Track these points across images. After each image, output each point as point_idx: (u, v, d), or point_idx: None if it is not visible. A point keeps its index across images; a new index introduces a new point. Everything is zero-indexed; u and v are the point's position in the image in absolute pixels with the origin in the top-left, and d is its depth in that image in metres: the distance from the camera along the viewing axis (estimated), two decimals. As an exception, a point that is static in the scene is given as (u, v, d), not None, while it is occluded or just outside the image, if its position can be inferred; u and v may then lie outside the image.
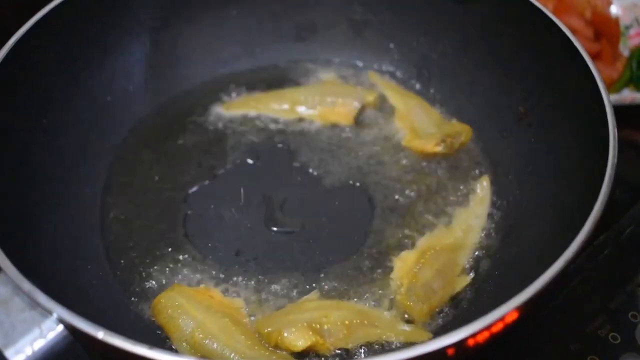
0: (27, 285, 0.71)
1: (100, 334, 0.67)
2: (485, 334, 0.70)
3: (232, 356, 0.85)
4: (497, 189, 1.06)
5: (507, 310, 0.70)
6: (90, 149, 1.09)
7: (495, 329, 0.71)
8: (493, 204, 1.05)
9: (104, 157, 1.11)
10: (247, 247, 1.01)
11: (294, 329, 0.87)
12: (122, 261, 0.99)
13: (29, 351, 0.69)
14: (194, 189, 1.09)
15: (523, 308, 0.71)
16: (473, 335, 0.69)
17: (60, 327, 0.70)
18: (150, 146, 1.15)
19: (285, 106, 1.20)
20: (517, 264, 0.95)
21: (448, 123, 1.15)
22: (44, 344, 0.69)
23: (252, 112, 1.20)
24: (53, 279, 0.85)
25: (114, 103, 1.14)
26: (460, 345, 0.68)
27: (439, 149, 1.09)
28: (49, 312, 0.70)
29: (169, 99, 1.21)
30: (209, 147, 1.15)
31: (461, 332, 0.68)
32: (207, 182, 1.10)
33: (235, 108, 1.21)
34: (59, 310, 0.69)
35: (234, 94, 1.24)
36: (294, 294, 0.95)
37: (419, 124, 1.14)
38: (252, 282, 0.97)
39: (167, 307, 0.90)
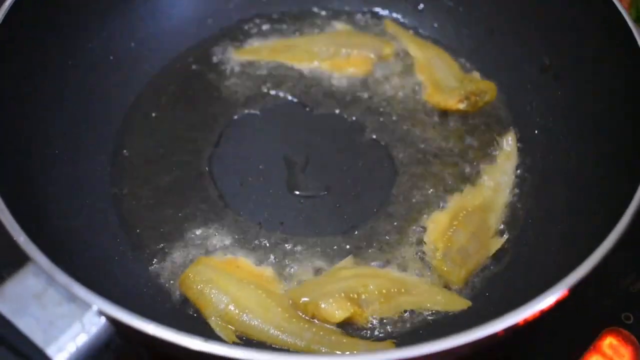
0: (62, 277, 0.67)
1: (151, 329, 0.64)
2: (536, 315, 0.68)
3: (269, 330, 0.83)
4: (524, 145, 1.04)
5: (559, 291, 0.68)
6: (97, 112, 1.03)
7: (546, 309, 0.69)
8: (520, 162, 1.02)
9: (112, 121, 1.05)
10: (271, 213, 0.97)
11: (331, 300, 0.85)
12: (140, 234, 0.95)
13: (72, 348, 0.64)
14: (210, 151, 1.04)
15: (575, 287, 0.69)
16: (525, 318, 0.67)
17: (102, 319, 0.66)
18: (161, 106, 1.09)
19: (299, 55, 1.14)
20: (549, 224, 0.93)
21: (471, 78, 1.10)
22: (88, 339, 0.65)
23: (264, 62, 1.14)
24: (78, 262, 0.81)
25: (118, 62, 1.07)
26: (511, 328, 0.66)
27: (462, 106, 1.05)
28: (88, 305, 0.66)
29: (178, 52, 1.15)
30: (223, 103, 1.09)
31: (514, 316, 0.66)
32: (223, 142, 1.05)
33: (248, 54, 1.15)
34: (100, 304, 0.66)
35: (245, 43, 1.17)
36: (323, 259, 0.93)
37: (440, 76, 1.10)
38: (279, 249, 0.94)
39: (195, 281, 0.87)
